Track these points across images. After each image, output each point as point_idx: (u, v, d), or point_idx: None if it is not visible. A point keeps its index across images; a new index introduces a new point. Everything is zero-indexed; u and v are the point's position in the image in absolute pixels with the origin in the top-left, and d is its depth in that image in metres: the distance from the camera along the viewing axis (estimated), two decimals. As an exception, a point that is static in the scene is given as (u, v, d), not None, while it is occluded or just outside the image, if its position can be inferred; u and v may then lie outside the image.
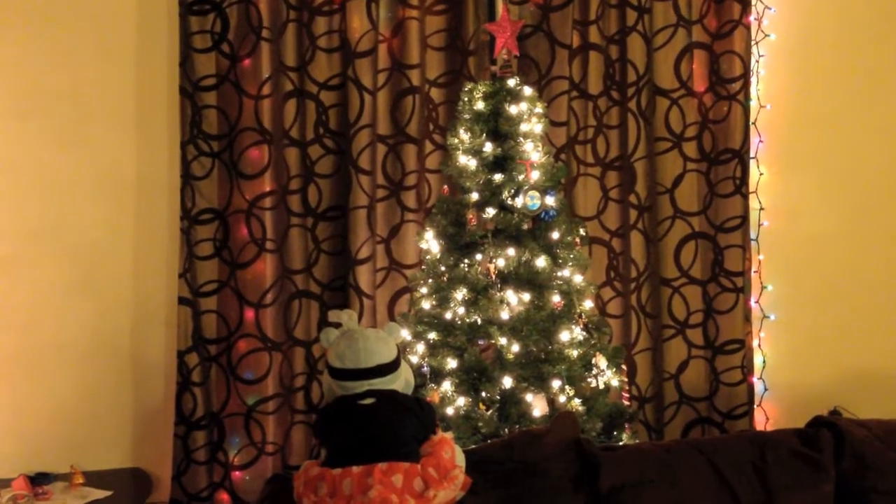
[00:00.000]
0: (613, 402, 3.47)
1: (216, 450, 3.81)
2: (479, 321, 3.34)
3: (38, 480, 3.55)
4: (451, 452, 2.48)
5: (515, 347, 3.29)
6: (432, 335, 3.37)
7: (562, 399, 3.30)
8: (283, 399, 3.86)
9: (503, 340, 3.29)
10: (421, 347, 3.37)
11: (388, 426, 2.47)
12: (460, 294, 3.34)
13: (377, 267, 3.90)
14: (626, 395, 3.71)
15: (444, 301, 3.40)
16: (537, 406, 3.32)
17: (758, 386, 4.23)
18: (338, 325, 2.66)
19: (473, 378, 3.29)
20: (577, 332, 3.38)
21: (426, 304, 3.44)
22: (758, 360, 4.24)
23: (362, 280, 3.83)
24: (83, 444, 3.76)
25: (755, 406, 4.20)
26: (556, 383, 3.29)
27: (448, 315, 3.37)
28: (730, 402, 4.16)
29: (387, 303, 3.95)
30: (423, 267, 3.55)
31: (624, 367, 3.58)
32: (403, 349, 2.99)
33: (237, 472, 3.84)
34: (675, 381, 4.16)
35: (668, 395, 4.17)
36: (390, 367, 2.56)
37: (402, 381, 2.60)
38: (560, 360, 3.29)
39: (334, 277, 3.90)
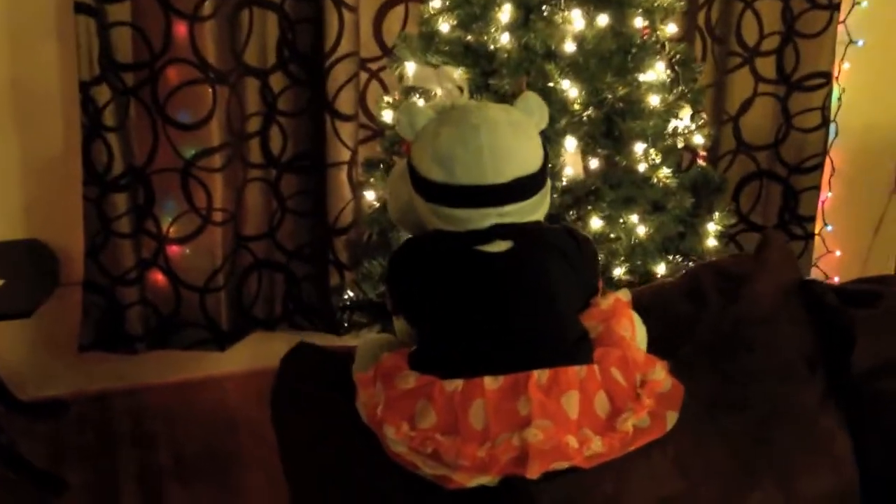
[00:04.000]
0: (698, 167, 2.58)
1: (143, 218, 2.81)
2: (524, 51, 2.31)
3: None
4: (631, 329, 1.40)
5: (575, 92, 2.30)
6: (458, 72, 2.35)
7: (641, 167, 2.36)
8: (233, 150, 2.82)
9: (564, 83, 2.28)
10: (439, 91, 2.35)
11: (544, 296, 1.35)
12: (505, 14, 2.28)
13: (360, -36, 2.76)
14: (704, 154, 2.79)
15: (471, 20, 2.35)
16: (570, 164, 2.37)
17: (826, 129, 3.40)
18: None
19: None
20: (662, 71, 2.41)
21: (444, 25, 2.39)
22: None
23: (340, -18, 2.70)
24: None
25: (821, 154, 3.40)
26: (638, 146, 2.34)
27: (472, 40, 2.34)
28: (800, 152, 3.36)
29: (372, 17, 2.85)
30: (438, -33, 2.45)
31: (704, 115, 2.64)
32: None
33: (174, 247, 2.86)
34: (734, 125, 3.30)
35: (724, 143, 3.32)
36: (536, 182, 1.41)
37: (546, 205, 1.48)
38: (645, 112, 2.32)
39: (299, -22, 2.76)
